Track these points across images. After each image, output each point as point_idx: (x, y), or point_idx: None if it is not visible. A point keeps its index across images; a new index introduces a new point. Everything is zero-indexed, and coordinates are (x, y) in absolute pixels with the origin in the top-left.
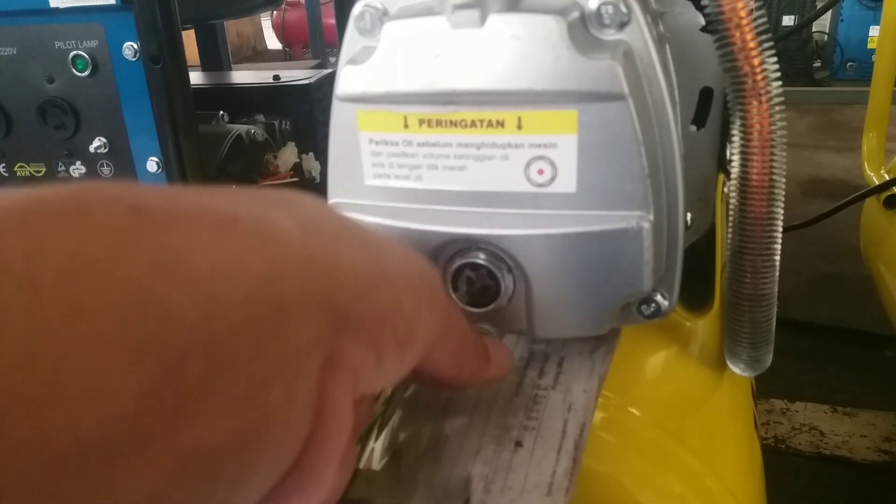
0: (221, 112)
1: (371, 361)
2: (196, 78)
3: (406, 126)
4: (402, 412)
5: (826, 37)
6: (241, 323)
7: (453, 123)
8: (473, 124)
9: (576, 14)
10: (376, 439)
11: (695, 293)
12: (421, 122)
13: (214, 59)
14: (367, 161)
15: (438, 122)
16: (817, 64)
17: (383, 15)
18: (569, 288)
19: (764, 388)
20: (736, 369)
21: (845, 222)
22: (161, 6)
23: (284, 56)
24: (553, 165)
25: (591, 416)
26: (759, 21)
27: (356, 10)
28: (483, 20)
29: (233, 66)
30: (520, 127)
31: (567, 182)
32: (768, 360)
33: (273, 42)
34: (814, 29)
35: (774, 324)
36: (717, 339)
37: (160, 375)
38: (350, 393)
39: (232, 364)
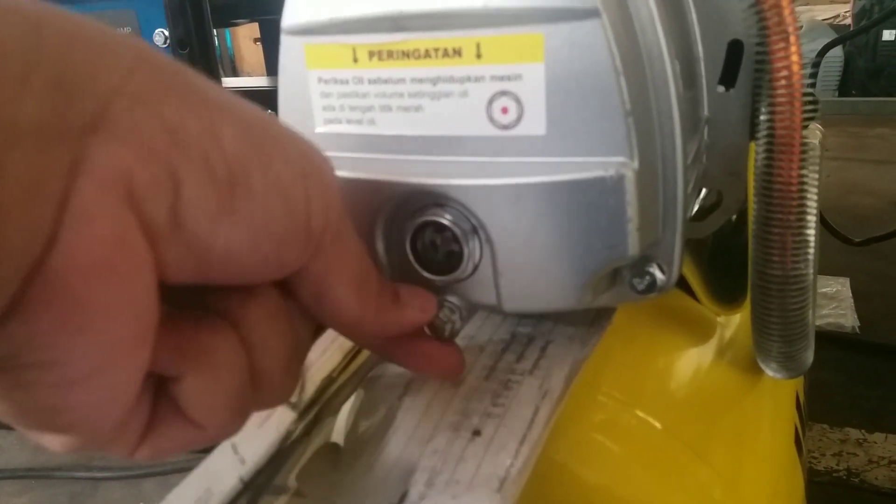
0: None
1: (159, 179)
2: (257, 83)
3: (355, 60)
4: (361, 393)
5: None
6: None
7: (405, 54)
8: (427, 54)
9: None
10: (323, 419)
11: (727, 284)
12: (371, 54)
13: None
14: (317, 104)
15: (389, 54)
16: None
17: None
18: (538, 250)
19: (839, 415)
20: (768, 370)
21: None
22: None
23: None
24: (518, 102)
25: (561, 405)
26: None
27: None
28: None
29: None
30: (479, 56)
31: (535, 122)
32: (806, 358)
33: None
34: None
35: (811, 314)
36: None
37: None
38: (114, 200)
39: None
